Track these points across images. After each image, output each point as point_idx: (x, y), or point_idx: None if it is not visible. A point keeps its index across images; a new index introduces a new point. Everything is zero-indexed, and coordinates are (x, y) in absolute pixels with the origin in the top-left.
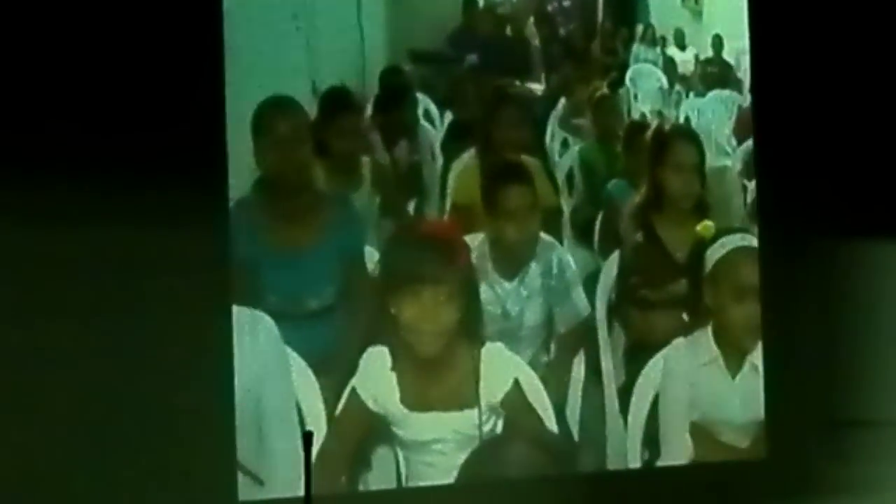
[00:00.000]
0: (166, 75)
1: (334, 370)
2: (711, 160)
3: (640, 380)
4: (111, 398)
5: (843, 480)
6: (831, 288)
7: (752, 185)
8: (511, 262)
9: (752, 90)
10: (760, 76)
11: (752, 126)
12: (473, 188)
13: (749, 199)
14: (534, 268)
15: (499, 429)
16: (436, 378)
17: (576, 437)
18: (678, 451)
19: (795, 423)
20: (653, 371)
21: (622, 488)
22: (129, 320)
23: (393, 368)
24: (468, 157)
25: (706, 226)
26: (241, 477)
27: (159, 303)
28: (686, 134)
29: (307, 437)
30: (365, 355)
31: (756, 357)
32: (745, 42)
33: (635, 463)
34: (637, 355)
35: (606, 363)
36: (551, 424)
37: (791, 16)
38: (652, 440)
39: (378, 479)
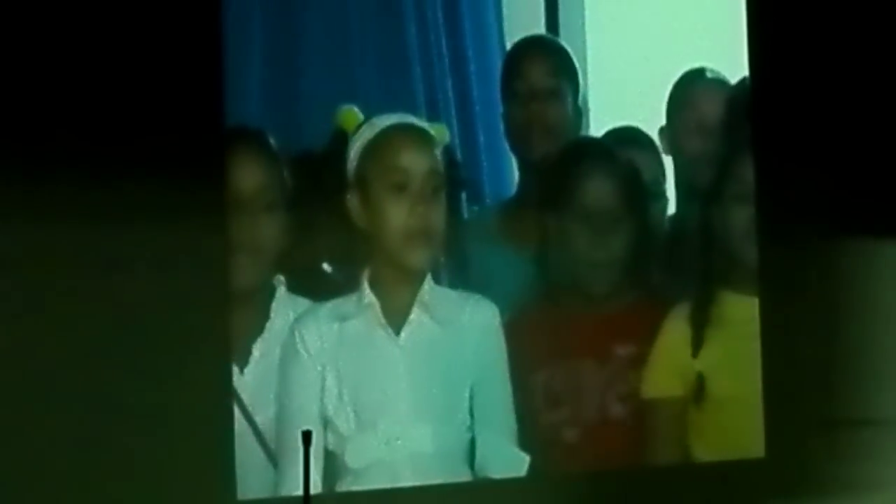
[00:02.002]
0: (166, 73)
1: None
2: None
3: None
4: (109, 396)
5: (843, 479)
6: (831, 288)
7: None
8: None
9: (752, 89)
10: (759, 75)
11: (752, 125)
12: None
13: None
14: None
15: None
16: None
17: None
18: None
19: (795, 422)
20: None
21: (620, 488)
22: (127, 319)
23: None
24: None
25: None
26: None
27: (158, 301)
28: None
29: (306, 437)
30: None
31: None
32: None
33: None
34: None
35: None
36: None
37: (789, 16)
38: None
39: None
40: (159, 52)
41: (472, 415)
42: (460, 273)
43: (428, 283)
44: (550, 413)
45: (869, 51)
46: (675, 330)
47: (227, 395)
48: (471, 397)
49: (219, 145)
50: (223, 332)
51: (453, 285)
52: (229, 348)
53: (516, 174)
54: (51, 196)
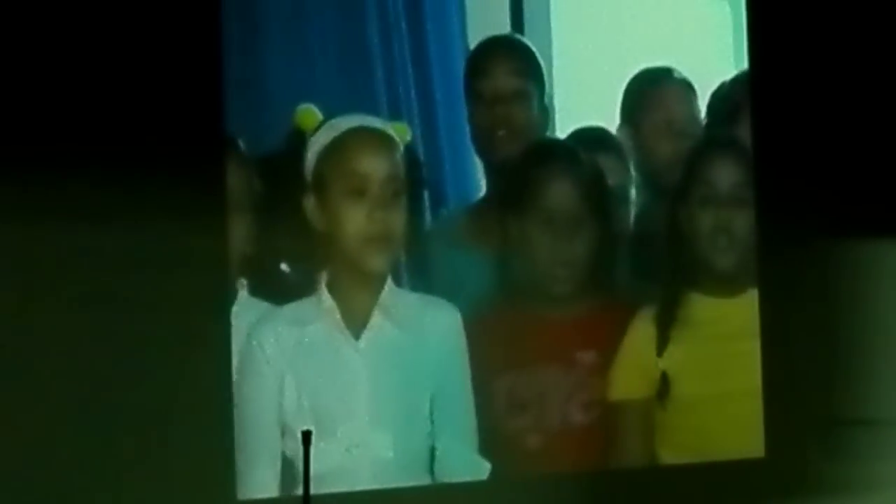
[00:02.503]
0: (166, 74)
1: None
2: None
3: None
4: (109, 397)
5: (843, 480)
6: (831, 287)
7: None
8: None
9: (751, 90)
10: (759, 75)
11: (752, 126)
12: None
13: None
14: None
15: None
16: None
17: None
18: None
19: (794, 422)
20: None
21: (620, 488)
22: (127, 319)
23: None
24: None
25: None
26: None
27: (157, 302)
28: None
29: (306, 437)
30: None
31: None
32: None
33: None
34: None
35: None
36: None
37: (790, 16)
38: None
39: None
40: (159, 54)
41: (432, 421)
42: (422, 275)
43: (388, 286)
44: (514, 418)
45: (869, 51)
46: (642, 332)
47: (227, 395)
48: (431, 403)
49: (218, 147)
50: (223, 332)
51: (415, 288)
52: (229, 349)
53: (481, 176)
54: (52, 196)
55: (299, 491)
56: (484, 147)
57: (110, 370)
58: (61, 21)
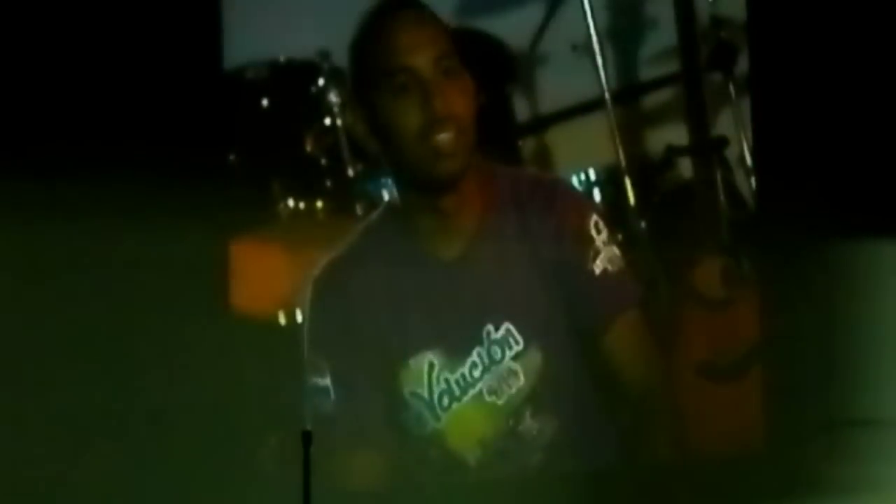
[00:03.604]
0: (166, 73)
1: None
2: None
3: None
4: (109, 398)
5: (843, 480)
6: (831, 288)
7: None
8: None
9: (751, 88)
10: (759, 74)
11: (752, 125)
12: None
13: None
14: None
15: None
16: None
17: None
18: None
19: (794, 423)
20: None
21: (619, 487)
22: (128, 319)
23: None
24: None
25: None
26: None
27: (158, 302)
28: None
29: (306, 437)
30: None
31: None
32: None
33: None
34: None
35: None
36: None
37: (790, 15)
38: None
39: None
40: (160, 51)
41: None
42: None
43: None
44: None
45: (868, 51)
46: None
47: (227, 395)
48: None
49: (222, 146)
50: (223, 332)
51: None
52: (229, 349)
53: None
54: (52, 196)
55: None
56: None
57: (110, 371)
58: (70, 21)
